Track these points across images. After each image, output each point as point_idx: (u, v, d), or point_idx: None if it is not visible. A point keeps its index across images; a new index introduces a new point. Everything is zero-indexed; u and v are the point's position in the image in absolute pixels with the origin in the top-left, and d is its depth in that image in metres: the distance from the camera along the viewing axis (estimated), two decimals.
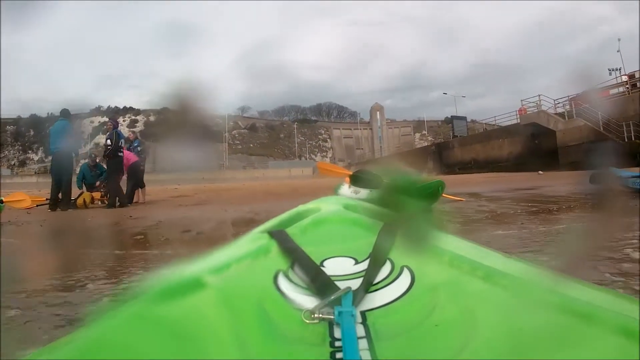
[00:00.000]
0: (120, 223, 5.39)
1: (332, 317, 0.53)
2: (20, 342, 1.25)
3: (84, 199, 8.73)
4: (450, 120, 46.41)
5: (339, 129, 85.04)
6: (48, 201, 8.23)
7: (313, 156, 77.90)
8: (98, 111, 77.85)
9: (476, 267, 0.62)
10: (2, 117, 66.24)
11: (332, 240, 0.83)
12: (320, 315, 0.54)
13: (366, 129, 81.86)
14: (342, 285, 0.61)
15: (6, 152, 69.78)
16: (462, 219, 3.89)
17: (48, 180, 8.62)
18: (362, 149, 79.06)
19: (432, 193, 4.09)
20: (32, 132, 70.76)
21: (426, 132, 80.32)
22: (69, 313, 1.49)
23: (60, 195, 8.10)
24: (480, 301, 0.54)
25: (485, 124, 36.22)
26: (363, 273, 0.67)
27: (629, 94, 21.06)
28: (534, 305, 0.50)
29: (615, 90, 22.81)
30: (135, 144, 9.94)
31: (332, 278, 0.65)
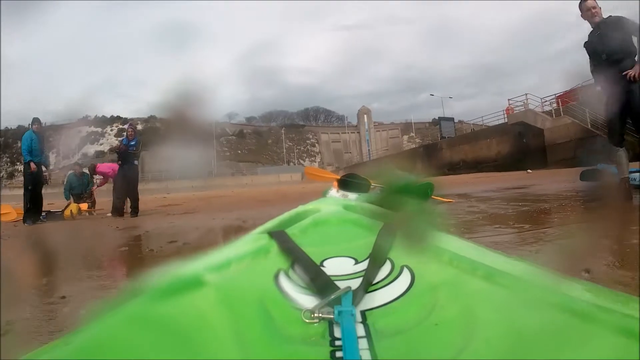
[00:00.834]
0: (107, 234, 5.34)
1: (332, 316, 0.53)
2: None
3: (70, 210, 8.62)
4: (438, 122, 46.71)
5: (327, 133, 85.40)
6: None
7: (301, 161, 78.11)
8: (86, 120, 77.47)
9: (476, 267, 0.62)
10: None
11: (332, 241, 0.83)
12: (320, 315, 0.54)
13: (354, 132, 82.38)
14: (342, 285, 0.61)
15: None
16: (453, 221, 3.89)
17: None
18: (350, 152, 79.43)
19: (423, 194, 4.08)
20: (19, 144, 69.72)
21: (414, 134, 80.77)
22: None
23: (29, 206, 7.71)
24: (480, 301, 0.54)
25: (472, 124, 36.56)
26: (363, 273, 0.67)
27: None
28: (534, 305, 0.50)
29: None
30: (133, 143, 8.59)
31: (332, 278, 0.65)
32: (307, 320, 0.54)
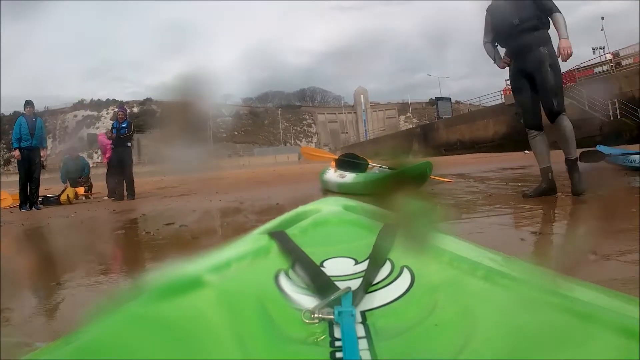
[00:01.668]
0: (104, 217, 5.34)
1: (332, 317, 0.53)
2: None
3: (67, 194, 8.58)
4: (435, 102, 46.59)
5: (324, 113, 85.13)
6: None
7: (298, 142, 78.06)
8: (81, 105, 76.98)
9: (476, 267, 0.62)
10: None
11: (332, 241, 0.82)
12: (320, 315, 0.54)
13: (350, 112, 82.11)
14: (342, 285, 0.61)
15: None
16: (452, 201, 3.89)
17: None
18: (347, 132, 79.24)
19: (420, 175, 4.06)
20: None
21: (411, 114, 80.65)
22: None
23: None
24: (480, 301, 0.54)
25: (469, 104, 36.44)
26: (363, 273, 0.67)
27: (613, 72, 21.23)
28: (534, 305, 0.50)
29: (599, 69, 23.01)
30: (124, 125, 8.49)
31: (332, 278, 0.65)
32: (307, 321, 0.54)
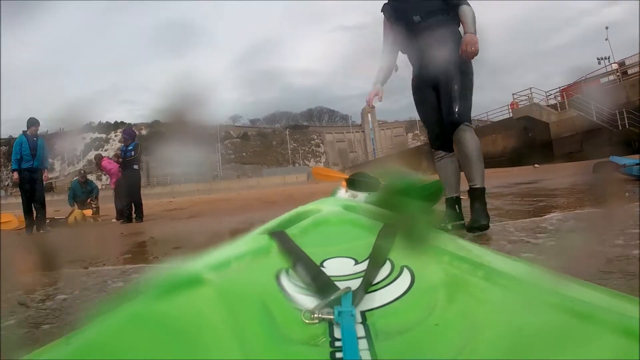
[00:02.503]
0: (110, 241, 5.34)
1: (332, 317, 0.53)
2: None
3: (74, 216, 8.62)
4: None
5: (331, 133, 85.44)
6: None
7: (307, 162, 78.28)
8: (90, 127, 77.85)
9: (476, 267, 0.62)
10: None
11: (332, 241, 0.82)
12: (320, 315, 0.54)
13: (358, 131, 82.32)
14: (342, 285, 0.61)
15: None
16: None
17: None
18: (355, 152, 79.39)
19: (433, 193, 3.94)
20: None
21: (418, 132, 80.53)
22: None
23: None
24: (480, 301, 0.54)
25: (477, 120, 36.41)
26: (363, 273, 0.67)
27: (620, 81, 21.17)
28: (534, 305, 0.50)
29: (605, 79, 22.96)
30: (130, 148, 8.32)
31: (332, 278, 0.65)
32: (307, 321, 0.54)
